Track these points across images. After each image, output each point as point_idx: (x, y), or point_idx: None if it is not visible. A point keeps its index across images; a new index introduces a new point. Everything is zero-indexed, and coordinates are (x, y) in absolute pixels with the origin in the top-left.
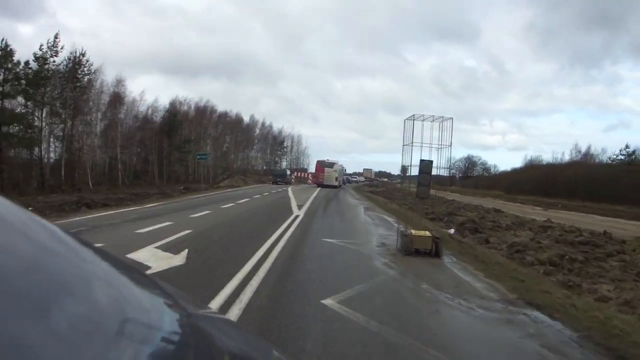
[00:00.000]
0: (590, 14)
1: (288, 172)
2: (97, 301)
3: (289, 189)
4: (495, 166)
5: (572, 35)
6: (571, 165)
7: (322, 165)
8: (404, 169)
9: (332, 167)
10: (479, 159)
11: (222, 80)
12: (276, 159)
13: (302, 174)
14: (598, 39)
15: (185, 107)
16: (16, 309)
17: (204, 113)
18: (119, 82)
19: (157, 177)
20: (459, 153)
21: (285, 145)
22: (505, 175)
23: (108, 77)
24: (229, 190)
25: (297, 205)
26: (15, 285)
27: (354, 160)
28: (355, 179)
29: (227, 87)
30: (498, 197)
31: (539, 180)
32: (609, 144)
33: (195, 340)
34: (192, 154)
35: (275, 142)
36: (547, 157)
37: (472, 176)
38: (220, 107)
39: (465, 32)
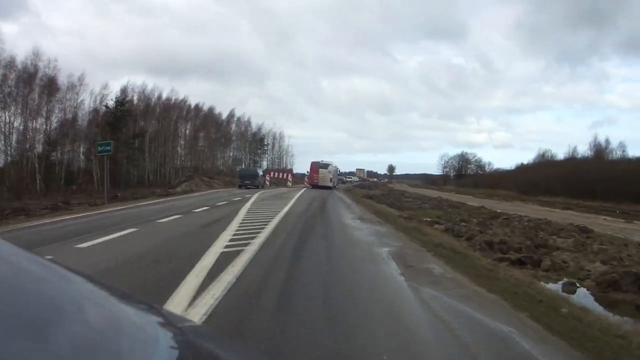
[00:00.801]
0: (578, 11)
1: (260, 172)
2: (92, 321)
3: (255, 196)
4: (490, 163)
5: (560, 32)
6: (603, 162)
7: (316, 166)
8: (390, 168)
9: (326, 168)
10: (474, 156)
11: (210, 81)
12: (255, 158)
13: (281, 174)
14: (585, 37)
15: (138, 97)
16: (14, 332)
17: (173, 106)
18: (36, 55)
19: (98, 181)
20: (446, 151)
21: (266, 144)
22: (513, 173)
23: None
24: (180, 197)
25: (236, 244)
26: (8, 309)
27: (342, 161)
28: (350, 179)
29: (215, 88)
30: (512, 198)
31: (564, 179)
32: (594, 141)
33: (192, 354)
34: (148, 152)
35: (254, 140)
36: (556, 152)
37: (467, 174)
38: (193, 100)
39: (454, 30)
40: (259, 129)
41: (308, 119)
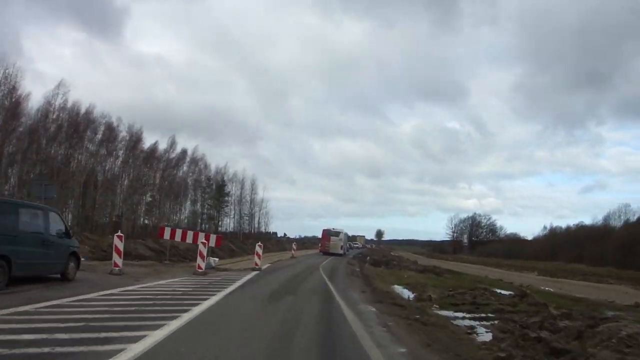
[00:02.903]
0: (578, 73)
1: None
2: None
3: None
4: (502, 228)
5: (559, 95)
6: None
7: (328, 234)
8: (379, 232)
9: (337, 236)
10: (488, 219)
11: (199, 137)
12: (214, 212)
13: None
14: (583, 99)
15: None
16: None
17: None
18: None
19: None
20: (436, 217)
21: (227, 192)
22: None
23: None
24: None
25: None
26: None
27: (327, 224)
28: (357, 245)
29: (204, 145)
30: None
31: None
32: (583, 206)
33: None
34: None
35: (208, 187)
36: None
37: (483, 241)
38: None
39: (450, 92)
40: (218, 172)
41: (295, 181)
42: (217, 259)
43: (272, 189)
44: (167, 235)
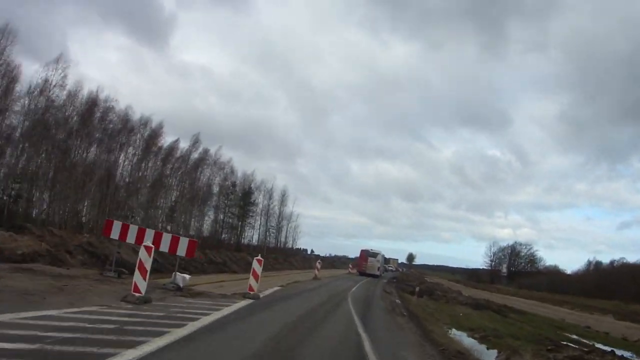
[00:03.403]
0: (624, 104)
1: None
2: None
3: None
4: (541, 259)
5: (603, 127)
6: None
7: (366, 254)
8: (410, 256)
9: (375, 257)
10: (529, 248)
11: (239, 151)
12: (236, 222)
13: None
14: (628, 133)
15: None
16: None
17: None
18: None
19: None
20: (469, 244)
21: (253, 201)
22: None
23: None
24: None
25: None
26: None
27: (358, 245)
28: (391, 268)
29: (243, 159)
30: None
31: None
32: (620, 242)
33: None
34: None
35: (232, 194)
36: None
37: (524, 272)
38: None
39: (493, 120)
40: (245, 178)
41: (331, 201)
42: (188, 276)
43: (306, 207)
44: (115, 232)
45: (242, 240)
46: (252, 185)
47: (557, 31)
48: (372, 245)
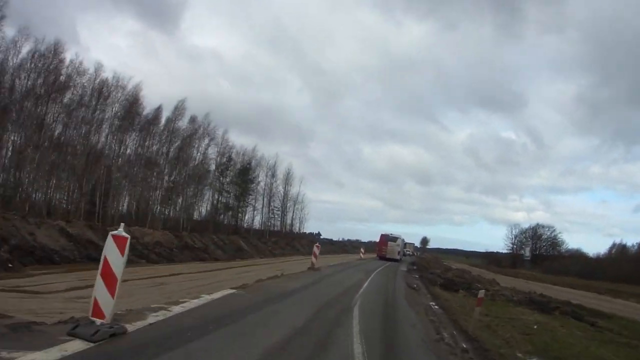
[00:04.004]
0: None
1: None
2: None
3: None
4: (563, 242)
5: (621, 109)
6: None
7: (386, 239)
8: (424, 240)
9: (395, 242)
10: (552, 230)
11: (250, 135)
12: (234, 202)
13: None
14: None
15: None
16: None
17: None
18: None
19: None
20: (482, 227)
21: (252, 177)
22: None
23: None
24: None
25: None
26: None
27: (371, 230)
28: (409, 252)
29: (254, 142)
30: None
31: None
32: (636, 224)
33: None
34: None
35: (229, 168)
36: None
37: (546, 255)
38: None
39: (509, 101)
40: (242, 154)
41: (344, 185)
42: None
43: (319, 191)
44: None
45: (242, 223)
46: (253, 162)
47: (575, 11)
48: (385, 229)
